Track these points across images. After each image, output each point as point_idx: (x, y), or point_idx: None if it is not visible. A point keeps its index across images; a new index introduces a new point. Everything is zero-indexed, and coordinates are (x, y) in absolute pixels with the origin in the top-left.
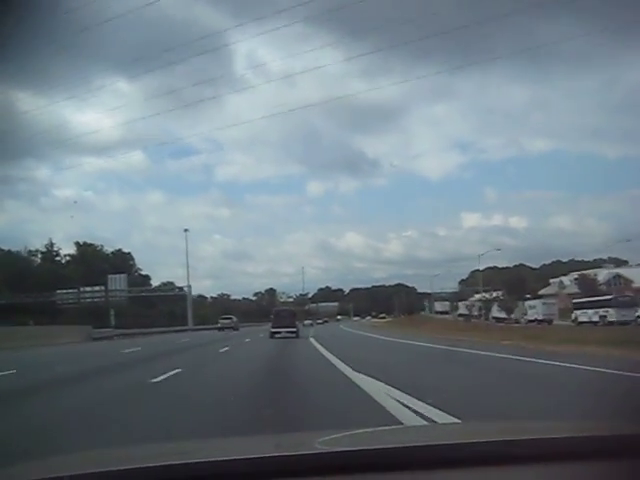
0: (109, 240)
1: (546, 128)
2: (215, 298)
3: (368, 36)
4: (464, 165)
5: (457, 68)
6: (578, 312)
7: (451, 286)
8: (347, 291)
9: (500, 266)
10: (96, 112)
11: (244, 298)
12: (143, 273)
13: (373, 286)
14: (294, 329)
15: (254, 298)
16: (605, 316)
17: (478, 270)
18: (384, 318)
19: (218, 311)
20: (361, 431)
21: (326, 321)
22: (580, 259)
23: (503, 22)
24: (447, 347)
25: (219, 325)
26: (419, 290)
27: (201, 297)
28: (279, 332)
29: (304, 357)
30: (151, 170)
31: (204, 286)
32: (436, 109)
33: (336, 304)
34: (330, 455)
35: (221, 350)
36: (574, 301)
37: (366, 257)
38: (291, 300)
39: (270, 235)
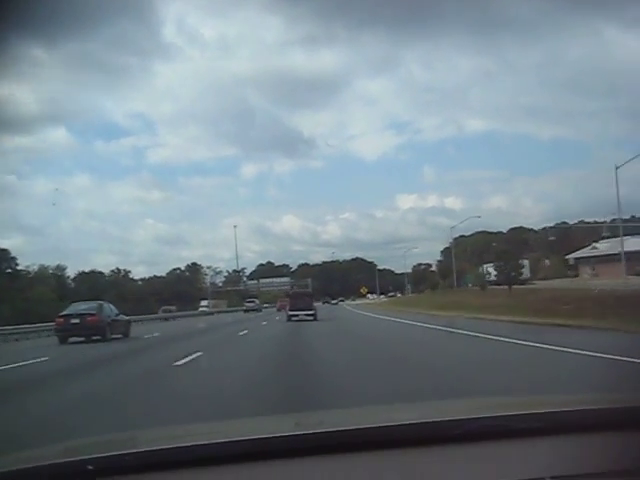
0: (36, 228)
1: (485, 107)
2: (101, 274)
3: None
4: (402, 145)
5: (404, 36)
6: None
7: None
8: (294, 267)
9: (493, 231)
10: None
11: (156, 276)
12: None
13: (324, 262)
14: (312, 312)
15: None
16: None
17: (464, 236)
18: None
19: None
20: (366, 408)
21: (342, 300)
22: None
23: None
24: None
25: (244, 308)
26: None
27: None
28: (296, 315)
29: None
30: (76, 150)
31: (138, 271)
32: (376, 85)
33: (287, 279)
34: (335, 434)
35: None
36: None
37: (304, 240)
38: (223, 279)
39: (205, 219)
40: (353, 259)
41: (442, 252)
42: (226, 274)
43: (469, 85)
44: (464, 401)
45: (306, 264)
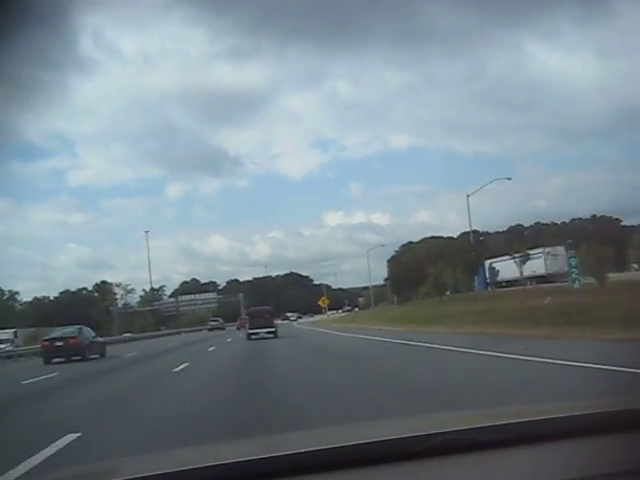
0: None
1: (410, 122)
2: None
3: (234, 10)
4: (328, 162)
5: (330, 50)
6: None
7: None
8: (223, 284)
9: (447, 236)
10: None
11: (44, 297)
12: None
13: (255, 278)
14: (272, 329)
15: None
16: None
17: (412, 242)
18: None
19: None
20: (334, 427)
21: (300, 317)
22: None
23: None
24: None
25: (209, 327)
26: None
27: None
28: (257, 333)
29: None
30: None
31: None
32: (302, 101)
33: (213, 295)
34: (305, 455)
35: None
36: None
37: (233, 260)
38: (137, 299)
39: (130, 241)
40: (287, 274)
41: (389, 261)
42: (142, 293)
43: (394, 100)
44: (433, 416)
45: (236, 280)
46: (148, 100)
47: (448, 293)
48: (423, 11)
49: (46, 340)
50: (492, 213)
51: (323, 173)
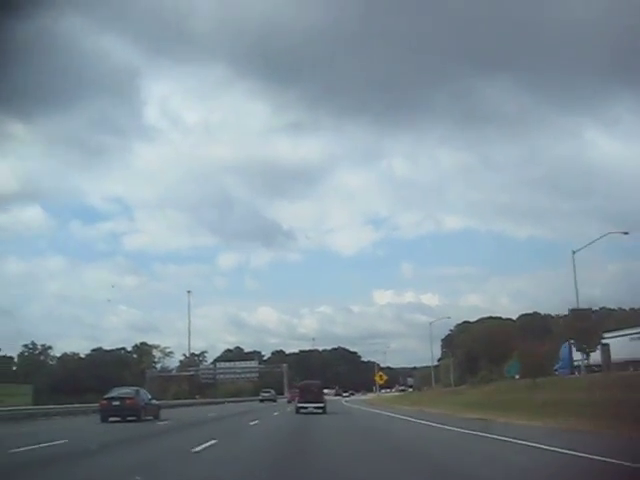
0: (3, 310)
1: (464, 203)
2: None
3: (297, 85)
4: (379, 240)
5: (388, 127)
6: None
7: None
8: (267, 355)
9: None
10: None
11: (73, 354)
12: None
13: (301, 351)
14: (322, 404)
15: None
16: None
17: (467, 322)
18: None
19: None
20: None
21: (352, 394)
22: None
23: (441, 80)
24: None
25: (260, 397)
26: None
27: None
28: (305, 407)
29: None
30: (51, 230)
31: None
32: (357, 177)
33: (254, 364)
34: None
35: None
36: None
37: (280, 332)
38: (177, 363)
39: (179, 307)
40: (334, 349)
41: (443, 340)
42: (182, 358)
43: (448, 180)
44: None
45: (281, 351)
46: (207, 170)
47: (517, 376)
48: (482, 92)
49: (104, 399)
50: (542, 299)
51: (374, 251)
